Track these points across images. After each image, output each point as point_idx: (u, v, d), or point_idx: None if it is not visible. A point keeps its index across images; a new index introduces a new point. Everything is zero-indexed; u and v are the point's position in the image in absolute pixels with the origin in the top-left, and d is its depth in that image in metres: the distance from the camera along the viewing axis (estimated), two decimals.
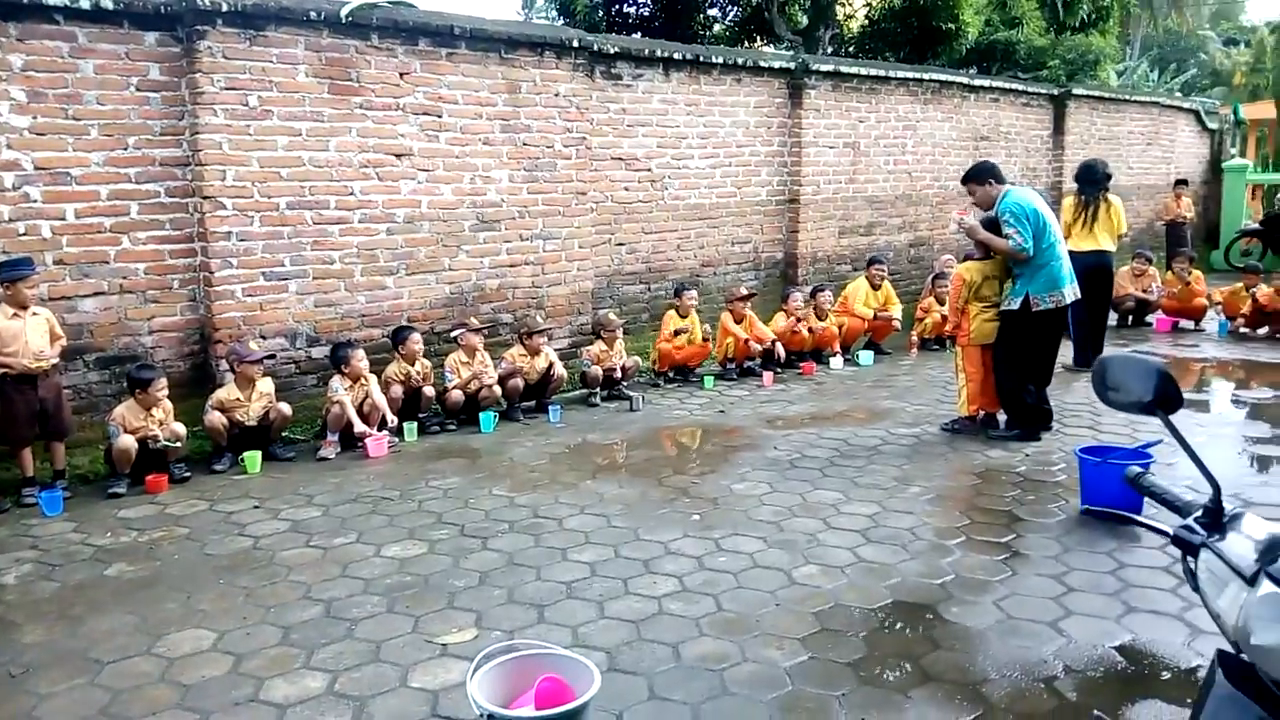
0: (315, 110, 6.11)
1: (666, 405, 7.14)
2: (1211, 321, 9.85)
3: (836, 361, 8.42)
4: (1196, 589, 1.43)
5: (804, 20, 17.25)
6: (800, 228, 9.41)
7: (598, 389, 7.19)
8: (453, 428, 6.47)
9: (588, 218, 7.67)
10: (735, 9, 18.07)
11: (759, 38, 17.41)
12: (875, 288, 8.85)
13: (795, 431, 6.31)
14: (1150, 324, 10.06)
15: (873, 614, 3.64)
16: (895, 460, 5.63)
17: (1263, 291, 9.37)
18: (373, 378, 6.04)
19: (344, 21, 6.11)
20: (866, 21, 17.84)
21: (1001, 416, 6.16)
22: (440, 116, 6.65)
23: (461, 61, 6.71)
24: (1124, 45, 35.22)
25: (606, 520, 4.69)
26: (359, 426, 5.78)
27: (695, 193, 8.60)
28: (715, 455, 5.85)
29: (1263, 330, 9.44)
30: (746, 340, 7.93)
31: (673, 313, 7.74)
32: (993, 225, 5.93)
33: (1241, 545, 1.36)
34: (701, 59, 8.37)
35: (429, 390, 6.36)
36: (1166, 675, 3.18)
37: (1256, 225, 14.79)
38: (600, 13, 17.38)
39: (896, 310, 8.86)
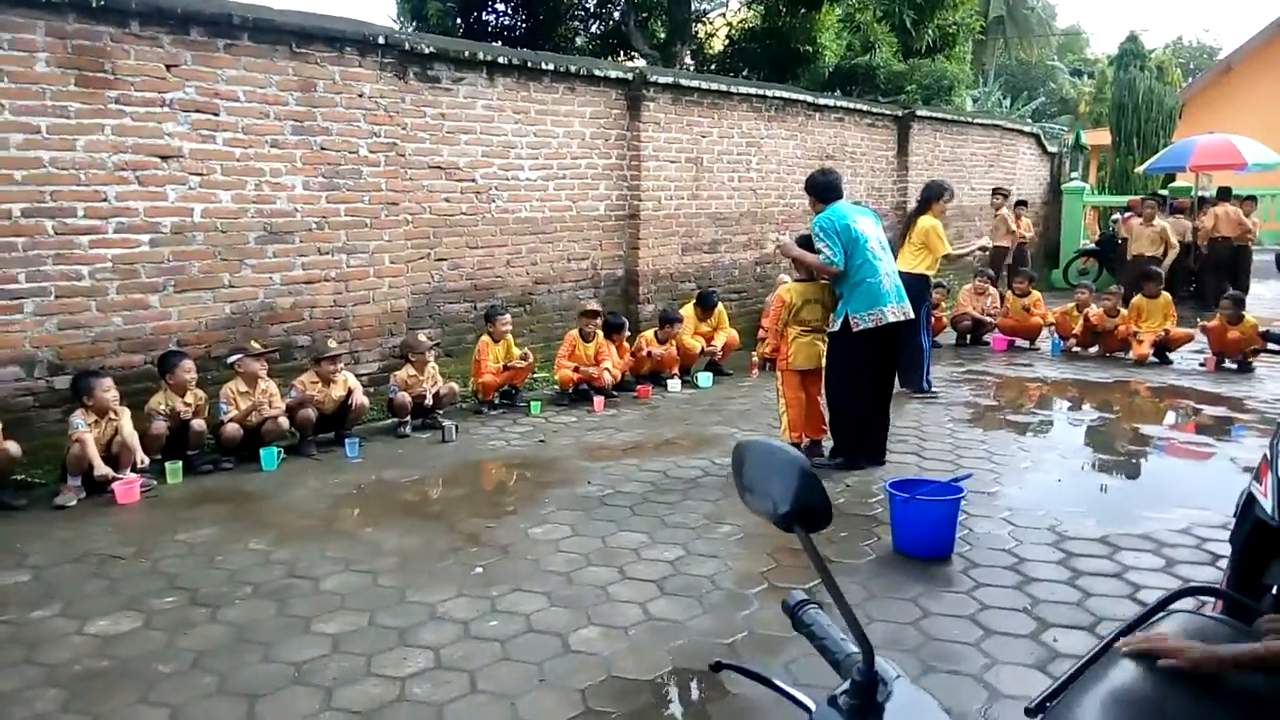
0: (59, 105, 5.30)
1: (484, 435, 6.57)
2: (1046, 341, 9.97)
3: (674, 384, 8.05)
4: None
5: (663, 35, 17.06)
6: (641, 244, 9.02)
7: (407, 418, 6.56)
8: (228, 466, 5.72)
9: (401, 230, 7.04)
10: (597, 22, 17.77)
11: (621, 53, 17.13)
12: (703, 319, 8.57)
13: (615, 463, 5.85)
14: (988, 343, 10.12)
15: (645, 687, 3.18)
16: (712, 494, 5.23)
17: (1093, 311, 9.53)
18: (124, 411, 5.25)
19: (95, 6, 5.33)
20: (728, 41, 17.84)
21: (829, 443, 5.88)
22: (217, 115, 5.92)
23: (243, 54, 6.00)
24: (978, 73, 36.93)
25: (373, 578, 4.09)
26: (100, 469, 4.98)
27: (526, 205, 8.08)
28: (521, 493, 5.32)
29: (1094, 349, 9.60)
30: (577, 368, 7.48)
31: (487, 340, 7.18)
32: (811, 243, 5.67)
33: None
34: (530, 64, 7.88)
35: (198, 424, 5.59)
36: None
37: (1093, 245, 15.38)
38: (457, 20, 16.74)
39: (720, 338, 8.61)
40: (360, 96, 6.60)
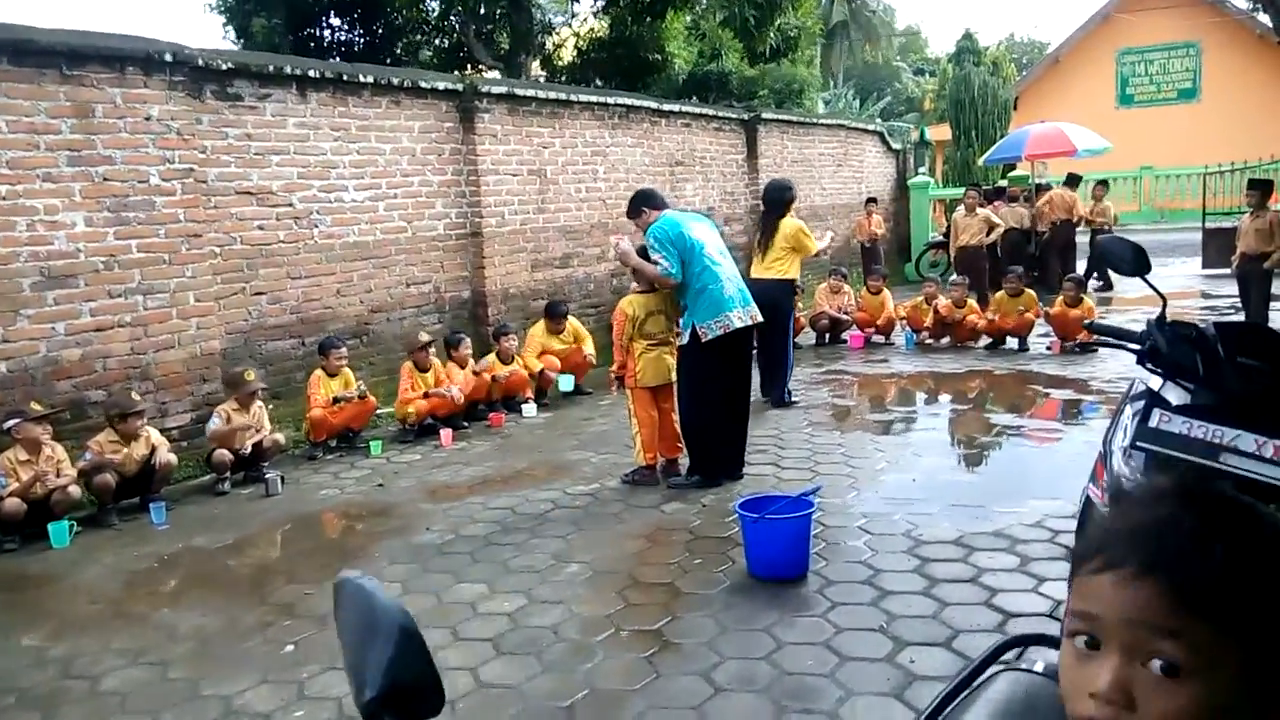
0: None
1: (316, 483, 6.01)
2: (900, 335, 10.07)
3: (529, 408, 7.65)
4: None
5: (507, 47, 16.67)
6: (486, 263, 8.59)
7: (226, 474, 5.93)
8: (13, 546, 4.98)
9: (207, 264, 6.41)
10: (440, 36, 17.21)
11: (468, 67, 16.63)
12: (555, 332, 8.18)
13: (459, 503, 5.42)
14: (845, 341, 10.15)
15: None
16: (562, 529, 4.87)
17: (941, 303, 9.66)
18: None
19: None
20: (576, 52, 17.61)
21: (685, 461, 5.61)
22: None
23: (2, 80, 5.29)
24: (828, 76, 38.08)
25: (163, 671, 3.54)
26: None
27: (354, 229, 7.54)
28: (350, 549, 4.84)
29: (946, 340, 9.74)
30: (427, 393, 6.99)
31: (320, 374, 6.63)
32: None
33: None
34: (347, 77, 7.36)
35: None
36: None
37: (941, 237, 15.81)
38: (286, 37, 15.89)
39: (588, 346, 8.24)
40: (148, 120, 5.96)
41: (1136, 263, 2.70)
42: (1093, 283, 12.87)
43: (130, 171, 5.90)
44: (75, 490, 5.17)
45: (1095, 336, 2.96)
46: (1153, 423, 2.40)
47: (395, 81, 7.76)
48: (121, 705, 3.30)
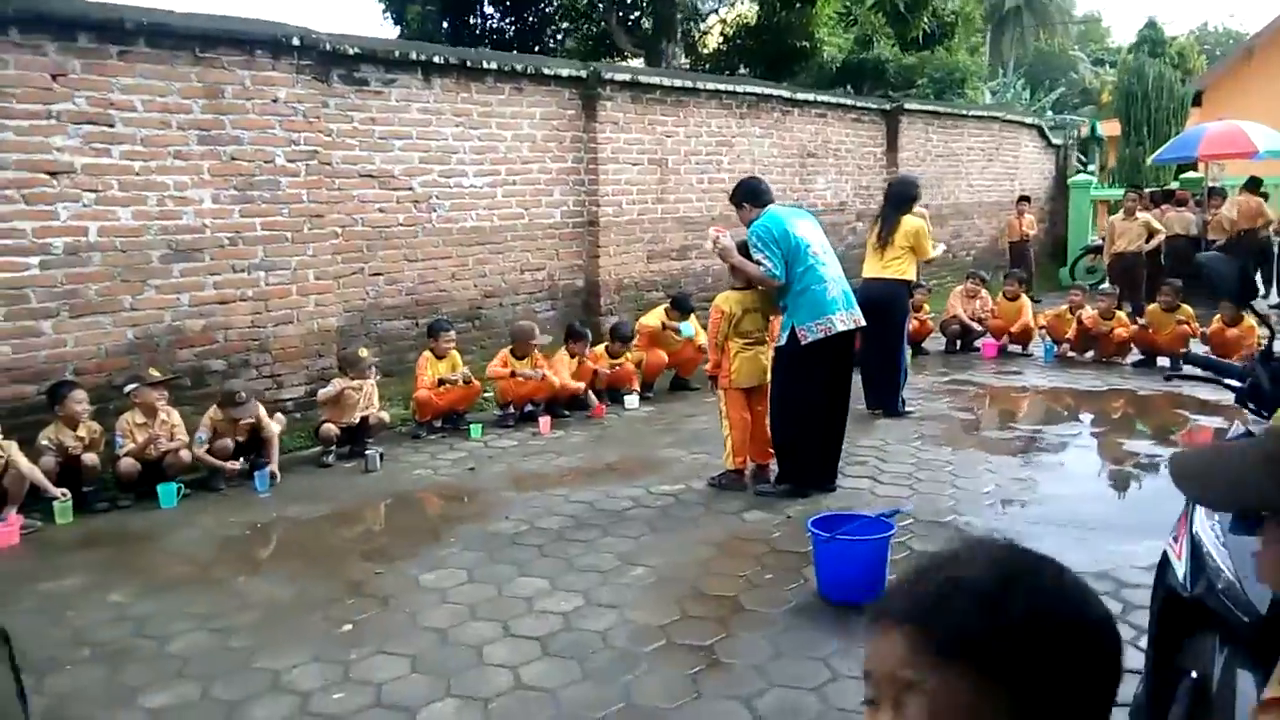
0: None
1: (414, 463, 6.12)
2: (1039, 346, 9.39)
3: (632, 400, 7.55)
4: None
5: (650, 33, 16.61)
6: (601, 252, 8.56)
7: (332, 447, 6.13)
8: (126, 504, 5.30)
9: (328, 244, 6.63)
10: (586, 24, 17.34)
11: (613, 55, 16.68)
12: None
13: (541, 494, 5.39)
14: (978, 349, 9.55)
15: None
16: (635, 529, 4.76)
17: (1087, 314, 8.94)
18: (12, 444, 4.87)
19: None
20: (723, 39, 17.37)
21: (775, 468, 5.38)
22: (112, 126, 5.53)
23: (139, 61, 5.60)
24: (998, 65, 36.21)
25: (225, 638, 3.65)
26: None
27: (472, 214, 7.65)
28: (428, 531, 4.87)
29: (1090, 354, 9.02)
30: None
31: (429, 355, 6.74)
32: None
33: None
34: (470, 64, 7.45)
35: (89, 458, 5.18)
36: None
37: (1100, 241, 14.72)
38: (442, 23, 16.41)
39: (703, 338, 8.03)
40: (274, 102, 6.20)
41: (1240, 286, 2.32)
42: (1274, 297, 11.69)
43: (257, 152, 6.15)
44: (186, 454, 5.45)
45: (1189, 367, 2.56)
46: None
47: (518, 68, 7.81)
48: (180, 669, 3.41)
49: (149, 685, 3.30)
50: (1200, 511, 2.11)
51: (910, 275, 6.99)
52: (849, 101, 11.45)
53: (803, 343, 5.06)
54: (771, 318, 5.43)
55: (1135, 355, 8.71)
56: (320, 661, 3.44)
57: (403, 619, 3.78)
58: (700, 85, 9.29)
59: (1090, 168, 20.30)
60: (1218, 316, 8.21)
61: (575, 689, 3.21)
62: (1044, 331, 9.33)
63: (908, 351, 7.09)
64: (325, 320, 6.66)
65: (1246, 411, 2.26)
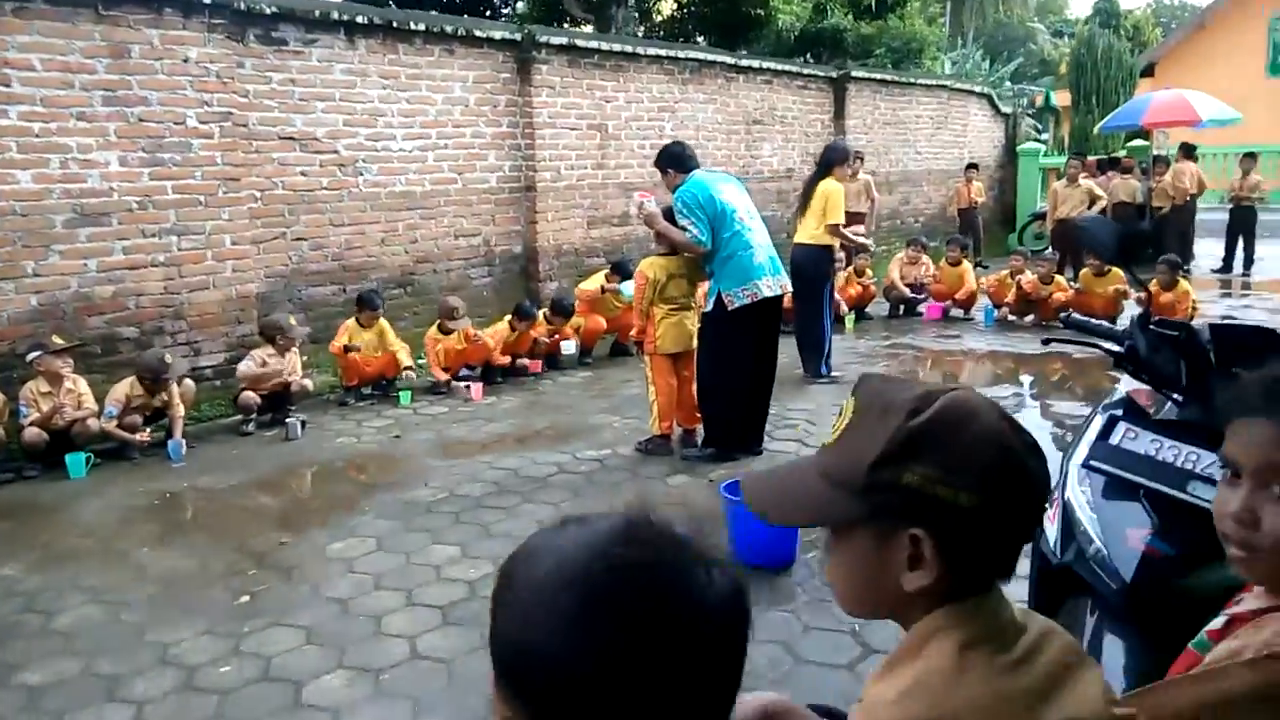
0: None
1: (338, 430, 5.98)
2: (980, 311, 9.42)
3: (568, 346, 7.44)
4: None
5: None
6: (539, 217, 8.41)
7: (252, 415, 5.96)
8: (32, 474, 5.10)
9: (245, 208, 6.41)
10: None
11: (565, 20, 16.38)
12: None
13: (465, 461, 5.28)
14: (920, 314, 9.57)
15: None
16: (557, 495, 4.68)
17: (1026, 278, 8.98)
18: None
19: None
20: (676, 6, 17.12)
21: (702, 432, 5.32)
22: (9, 86, 5.27)
23: (36, 19, 5.33)
24: (957, 35, 36.22)
25: (117, 612, 3.52)
26: None
27: (401, 179, 7.45)
28: (344, 500, 4.75)
29: (1029, 318, 9.06)
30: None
31: (352, 323, 6.57)
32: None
33: None
34: (398, 24, 7.22)
35: None
36: None
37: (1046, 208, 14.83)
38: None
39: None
40: (185, 62, 5.95)
41: (1119, 249, 2.27)
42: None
43: (166, 113, 5.91)
44: (95, 423, 5.26)
45: (1069, 332, 2.52)
46: (1114, 439, 2.00)
47: (449, 29, 7.59)
48: (65, 645, 3.28)
49: (29, 662, 3.16)
50: (1073, 475, 2.07)
51: (827, 240, 6.85)
52: (795, 69, 11.33)
53: (729, 308, 4.99)
54: (698, 283, 5.35)
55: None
56: (212, 635, 3.32)
57: (304, 590, 3.67)
58: (641, 50, 9.12)
59: (1044, 136, 20.40)
60: (1153, 281, 8.28)
61: (472, 659, 3.12)
62: (987, 296, 9.36)
63: (828, 317, 7.01)
64: (244, 286, 6.45)
65: (1124, 375, 2.21)
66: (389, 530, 4.27)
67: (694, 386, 5.32)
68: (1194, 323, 2.14)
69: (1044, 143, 18.52)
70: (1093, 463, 1.98)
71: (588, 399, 6.67)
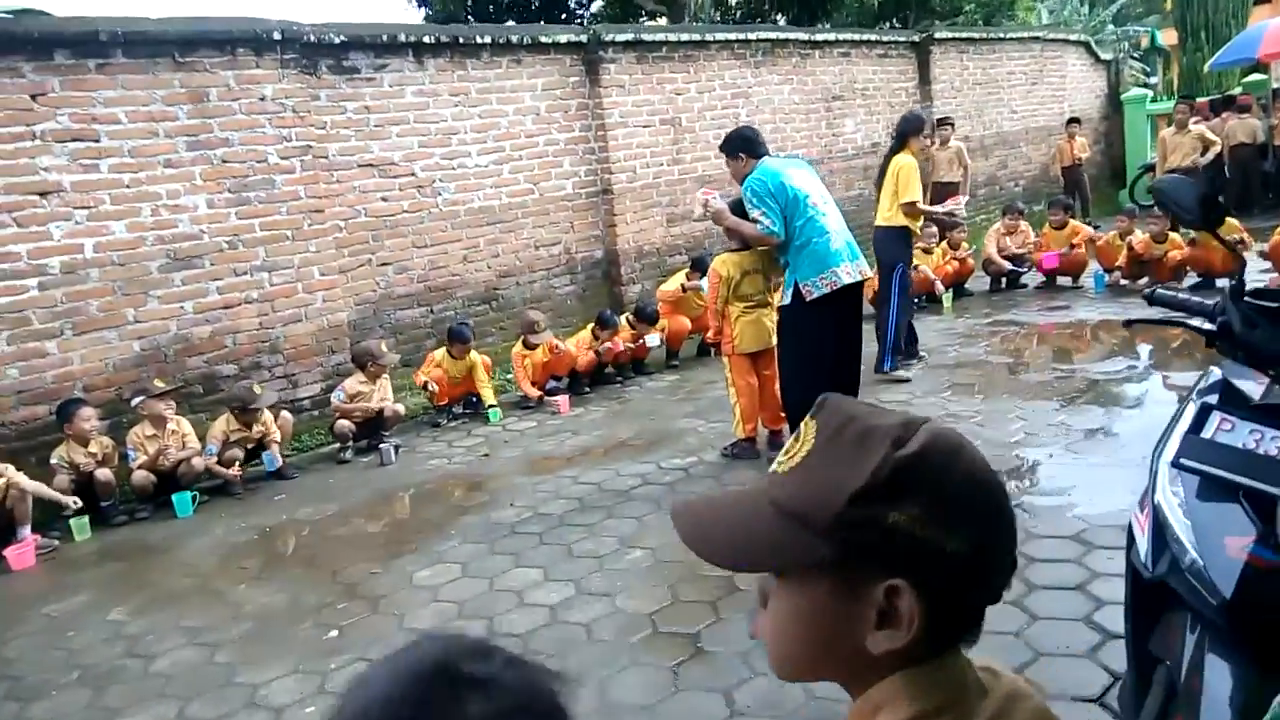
0: None
1: (430, 453, 6.06)
2: (1089, 278, 8.86)
3: (653, 339, 7.29)
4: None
5: None
6: (618, 220, 8.34)
7: (349, 442, 6.09)
8: (144, 515, 5.35)
9: (330, 238, 6.56)
10: None
11: (641, 15, 16.26)
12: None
13: (551, 477, 5.26)
14: (1025, 286, 9.08)
15: None
16: (640, 509, 4.59)
17: (1137, 238, 8.39)
18: (7, 466, 4.93)
19: None
20: None
21: (789, 433, 5.14)
22: (98, 141, 5.52)
23: (119, 73, 5.57)
24: None
25: (212, 653, 3.62)
26: None
27: (479, 195, 7.50)
28: (432, 525, 4.78)
29: (1143, 281, 8.46)
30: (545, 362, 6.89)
31: (442, 353, 6.63)
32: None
33: None
34: (463, 40, 7.26)
35: (102, 474, 5.23)
36: None
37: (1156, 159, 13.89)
38: (464, 2, 16.16)
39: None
40: (262, 100, 6.12)
41: (1201, 211, 2.00)
42: None
43: (248, 152, 6.09)
44: (199, 462, 5.47)
45: (1155, 309, 2.24)
46: (1207, 431, 1.76)
47: (514, 40, 7.59)
48: (163, 689, 3.39)
49: (128, 707, 3.28)
50: (1162, 475, 1.85)
51: (900, 220, 6.39)
52: (873, 37, 10.92)
53: (808, 299, 4.80)
54: (774, 278, 5.17)
55: (1192, 278, 8.16)
56: (300, 673, 3.37)
57: (389, 623, 3.70)
58: (709, 37, 8.93)
59: (1152, 80, 19.15)
60: (1276, 231, 7.61)
61: None
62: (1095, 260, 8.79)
63: (895, 305, 6.40)
64: (335, 315, 6.61)
65: (1220, 356, 1.97)
66: (473, 554, 4.28)
67: (776, 385, 5.16)
68: None
69: (1152, 87, 17.37)
70: (1184, 461, 1.75)
71: (673, 404, 6.57)
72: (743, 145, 5.05)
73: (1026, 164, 13.34)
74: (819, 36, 10.17)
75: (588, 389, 7.06)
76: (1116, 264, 8.54)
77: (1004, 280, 9.17)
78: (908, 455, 0.77)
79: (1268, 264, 7.86)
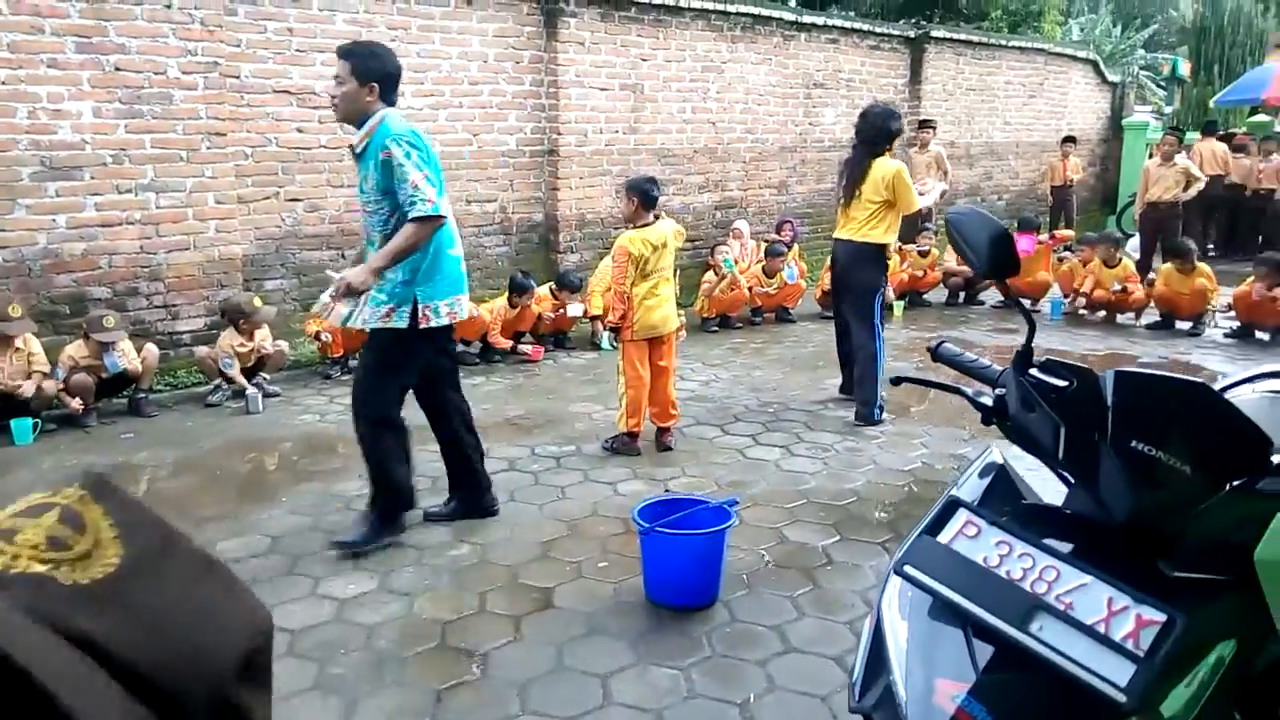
0: None
1: (306, 406, 5.68)
2: (1047, 303, 8.49)
3: (575, 308, 7.00)
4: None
5: None
6: (562, 184, 7.90)
7: (220, 382, 5.70)
8: None
9: (231, 165, 6.11)
10: None
11: None
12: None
13: (418, 449, 4.87)
14: (982, 302, 8.72)
15: None
16: (497, 496, 4.22)
17: (1091, 279, 8.01)
18: None
19: None
20: None
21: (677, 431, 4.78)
22: None
23: None
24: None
25: None
26: None
27: None
28: (267, 488, 4.42)
29: (1101, 313, 8.11)
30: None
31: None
32: None
33: None
34: None
35: None
36: None
37: None
38: None
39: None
40: (168, 8, 5.64)
41: (990, 252, 1.61)
42: None
43: (146, 63, 5.62)
44: (50, 385, 5.07)
45: (935, 367, 1.86)
46: (946, 533, 1.39)
47: None
48: None
49: None
50: (891, 584, 1.47)
51: (884, 237, 5.32)
52: (865, 27, 10.43)
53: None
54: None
55: (1153, 316, 7.80)
56: None
57: None
58: (684, 4, 8.44)
59: (1168, 109, 18.66)
60: (1249, 279, 7.24)
61: (293, 703, 2.71)
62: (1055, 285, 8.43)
63: (882, 339, 5.43)
64: (228, 248, 6.18)
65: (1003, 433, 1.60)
66: (291, 528, 3.91)
67: (672, 380, 4.79)
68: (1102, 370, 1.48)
69: (1163, 116, 16.91)
70: (906, 568, 1.38)
71: (580, 383, 6.20)
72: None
73: (1013, 178, 12.92)
74: (806, 19, 9.69)
75: (498, 358, 6.68)
76: (1079, 289, 8.16)
77: (961, 294, 8.80)
78: None
79: (1232, 313, 7.50)
